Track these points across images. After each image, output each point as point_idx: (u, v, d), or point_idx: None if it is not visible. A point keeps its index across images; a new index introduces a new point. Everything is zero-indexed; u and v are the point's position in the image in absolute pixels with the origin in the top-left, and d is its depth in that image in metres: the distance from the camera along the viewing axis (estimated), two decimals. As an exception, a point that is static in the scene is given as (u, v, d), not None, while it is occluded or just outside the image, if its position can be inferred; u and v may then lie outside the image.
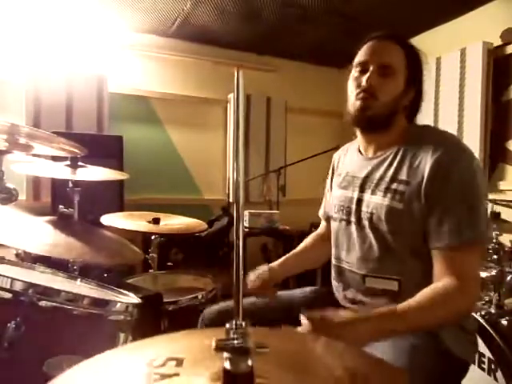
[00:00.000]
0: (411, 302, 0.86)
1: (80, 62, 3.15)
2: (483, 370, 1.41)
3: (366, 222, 1.03)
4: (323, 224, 1.39)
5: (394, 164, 1.01)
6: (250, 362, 0.43)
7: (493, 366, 1.39)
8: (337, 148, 3.52)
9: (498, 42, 2.68)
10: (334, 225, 1.18)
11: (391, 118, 1.04)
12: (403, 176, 0.97)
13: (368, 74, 1.01)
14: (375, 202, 1.01)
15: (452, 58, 2.82)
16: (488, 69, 2.67)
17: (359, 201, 1.07)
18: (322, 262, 1.35)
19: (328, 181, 1.34)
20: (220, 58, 3.57)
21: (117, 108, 3.25)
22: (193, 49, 3.51)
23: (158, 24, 3.15)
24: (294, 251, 1.35)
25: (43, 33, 3.01)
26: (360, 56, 1.06)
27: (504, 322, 1.42)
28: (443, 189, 0.91)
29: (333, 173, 1.30)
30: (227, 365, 0.43)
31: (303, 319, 0.81)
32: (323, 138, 3.83)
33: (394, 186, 0.98)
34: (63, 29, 3.07)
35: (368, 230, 1.02)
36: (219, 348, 0.43)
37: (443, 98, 2.87)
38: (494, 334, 1.36)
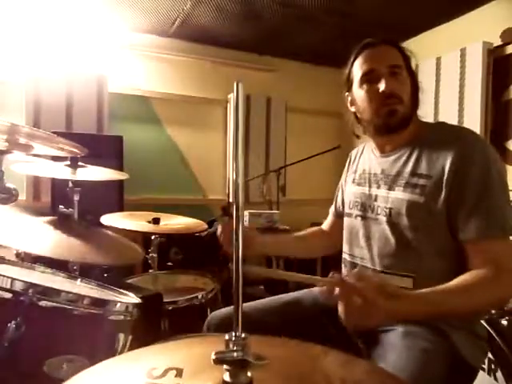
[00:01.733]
0: (449, 285, 0.85)
1: (80, 61, 3.15)
2: (483, 369, 1.41)
3: (383, 218, 1.03)
4: (329, 220, 1.39)
5: (412, 159, 1.01)
6: (249, 374, 0.43)
7: (493, 366, 1.39)
8: (337, 148, 3.52)
9: (498, 41, 2.68)
10: (347, 221, 1.18)
11: (412, 116, 1.04)
12: (423, 170, 0.97)
13: (384, 79, 0.99)
14: (394, 197, 1.01)
15: (452, 58, 2.82)
16: (488, 69, 2.67)
17: (376, 197, 1.07)
18: (315, 254, 1.36)
19: (342, 178, 1.34)
20: (220, 58, 3.57)
21: (117, 108, 3.25)
22: (193, 49, 3.51)
23: (157, 24, 3.15)
24: (291, 234, 1.35)
25: (43, 33, 3.01)
26: (363, 66, 1.04)
27: (504, 322, 1.42)
28: (468, 180, 0.90)
29: (347, 170, 1.30)
30: (226, 377, 0.43)
31: (351, 276, 0.77)
32: (323, 138, 3.83)
33: (414, 180, 0.98)
34: (63, 29, 3.07)
35: (385, 226, 1.02)
36: (218, 360, 0.43)
37: (443, 97, 2.87)
38: (494, 334, 1.36)
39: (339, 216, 1.32)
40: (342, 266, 1.20)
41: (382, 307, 0.73)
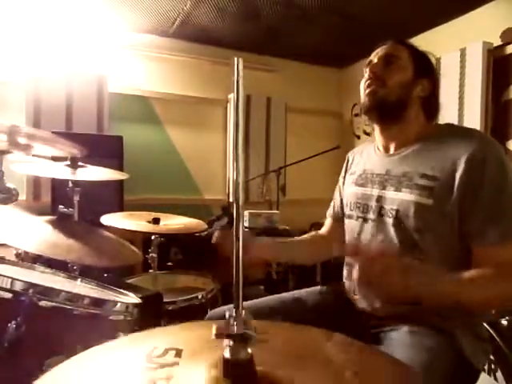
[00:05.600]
0: (465, 274, 0.85)
1: (80, 61, 3.15)
2: (483, 370, 1.41)
3: (389, 220, 1.01)
4: (328, 224, 1.36)
5: (419, 160, 1.00)
6: (249, 350, 0.43)
7: (493, 366, 1.39)
8: (337, 148, 3.52)
9: (498, 41, 2.68)
10: (348, 223, 1.17)
11: (403, 107, 1.04)
12: (431, 171, 0.96)
13: (372, 65, 1.08)
14: (401, 198, 0.99)
15: (452, 58, 2.82)
16: (488, 69, 2.67)
17: (380, 198, 1.06)
18: (315, 261, 1.33)
19: (340, 180, 1.33)
20: (220, 58, 3.57)
21: (117, 108, 3.25)
22: (193, 49, 3.52)
23: (157, 24, 3.15)
24: (289, 239, 1.33)
25: (43, 33, 3.01)
26: (368, 60, 1.12)
27: (504, 322, 1.42)
28: (483, 184, 0.89)
29: (345, 172, 1.29)
30: (227, 353, 0.43)
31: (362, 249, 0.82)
32: (323, 138, 3.83)
33: (422, 181, 0.96)
34: (63, 29, 3.07)
35: (390, 228, 1.00)
36: (219, 335, 0.43)
37: (443, 97, 2.85)
38: (494, 334, 1.36)
39: (337, 219, 1.30)
40: (344, 269, 1.18)
41: (399, 280, 0.77)
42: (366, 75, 1.08)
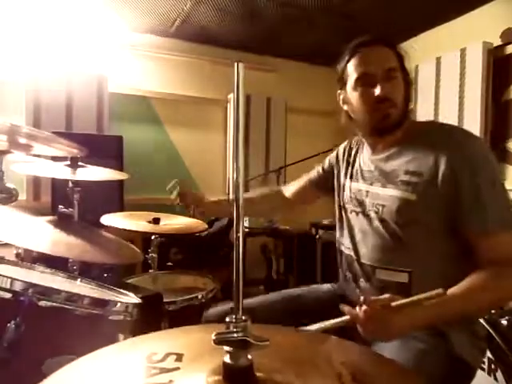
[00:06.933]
0: (459, 287, 0.86)
1: (80, 61, 3.15)
2: (483, 369, 1.41)
3: (375, 215, 1.04)
4: (301, 184, 1.44)
5: (404, 157, 1.02)
6: (249, 356, 0.43)
7: (493, 366, 1.39)
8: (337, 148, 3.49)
9: (497, 42, 2.68)
10: (346, 215, 1.20)
11: (404, 119, 1.05)
12: (414, 168, 0.98)
13: (379, 84, 0.99)
14: (386, 194, 1.02)
15: (452, 58, 2.82)
16: (488, 69, 2.67)
17: (368, 193, 1.09)
18: (262, 216, 1.40)
19: (327, 161, 1.39)
20: (220, 58, 3.57)
21: (117, 108, 3.25)
22: (193, 49, 3.52)
23: (157, 24, 3.15)
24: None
25: (43, 33, 3.01)
26: (358, 68, 1.02)
27: (504, 321, 1.42)
28: (465, 176, 0.91)
29: (337, 159, 1.31)
30: (227, 358, 0.43)
31: (348, 308, 0.83)
32: (323, 138, 3.82)
33: (406, 177, 0.99)
34: (63, 29, 3.07)
35: (377, 222, 1.03)
36: (219, 341, 0.43)
37: (443, 97, 2.87)
38: (494, 334, 1.36)
39: (312, 185, 1.39)
40: (338, 255, 1.21)
41: (395, 323, 0.79)
42: (373, 94, 0.99)
